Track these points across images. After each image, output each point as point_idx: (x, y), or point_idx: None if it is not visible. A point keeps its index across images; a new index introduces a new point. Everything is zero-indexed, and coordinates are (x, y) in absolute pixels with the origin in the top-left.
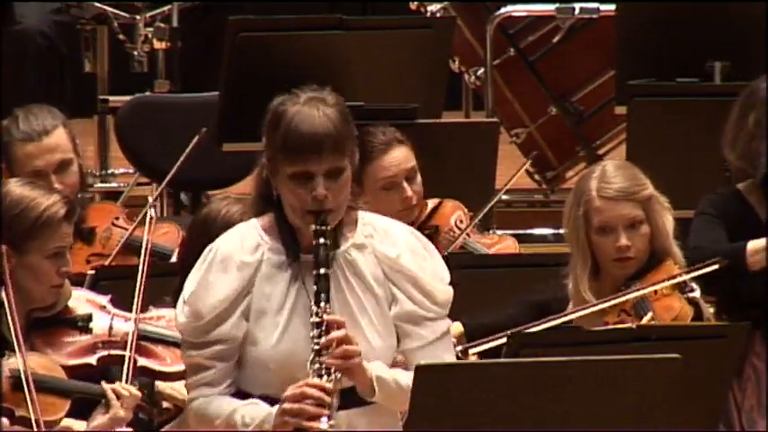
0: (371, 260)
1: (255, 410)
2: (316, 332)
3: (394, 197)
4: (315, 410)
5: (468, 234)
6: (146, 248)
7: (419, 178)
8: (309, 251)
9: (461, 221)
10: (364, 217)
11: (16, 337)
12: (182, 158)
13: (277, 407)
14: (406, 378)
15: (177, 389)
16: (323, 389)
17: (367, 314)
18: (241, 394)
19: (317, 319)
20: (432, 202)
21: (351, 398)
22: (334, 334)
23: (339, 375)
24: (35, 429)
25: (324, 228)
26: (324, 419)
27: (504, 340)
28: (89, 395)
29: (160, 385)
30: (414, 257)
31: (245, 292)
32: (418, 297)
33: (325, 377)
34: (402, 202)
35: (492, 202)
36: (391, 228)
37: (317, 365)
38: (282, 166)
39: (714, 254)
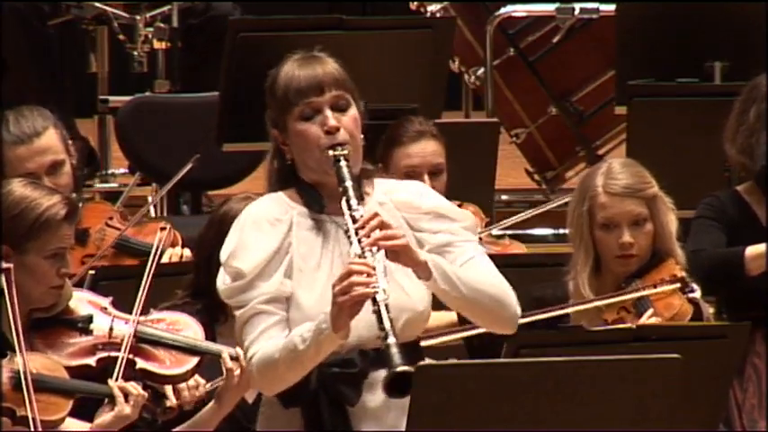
0: (394, 213)
1: (309, 324)
2: (353, 228)
3: None
4: (363, 280)
5: (481, 239)
6: (155, 253)
7: (444, 177)
8: (335, 211)
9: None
10: (380, 180)
11: (17, 336)
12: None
13: (328, 308)
14: (464, 272)
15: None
16: (365, 263)
17: (399, 266)
18: None
19: (351, 213)
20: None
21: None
22: (369, 213)
23: (381, 253)
24: (32, 429)
25: (342, 153)
26: (375, 286)
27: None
28: (94, 394)
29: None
30: (431, 196)
31: (285, 251)
32: (443, 226)
33: (368, 256)
34: None
35: (518, 217)
36: (406, 182)
37: (358, 251)
38: (289, 114)
39: (713, 259)
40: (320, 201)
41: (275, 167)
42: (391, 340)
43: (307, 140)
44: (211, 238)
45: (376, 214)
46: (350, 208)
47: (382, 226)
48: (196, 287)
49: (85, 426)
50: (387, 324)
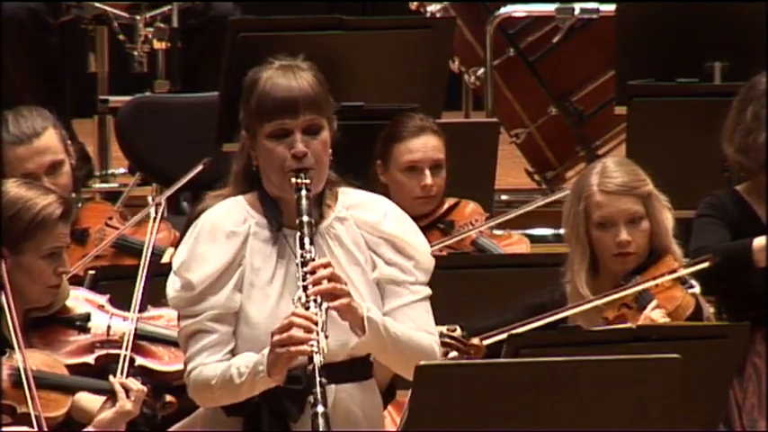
0: (353, 230)
1: (247, 358)
2: (302, 272)
3: (414, 182)
4: (303, 336)
5: (481, 231)
6: (147, 249)
7: (444, 173)
8: (293, 225)
9: (477, 222)
10: (345, 191)
11: (15, 334)
12: (184, 180)
13: (266, 350)
14: (395, 326)
15: None
16: (308, 318)
17: (353, 285)
18: None
19: (303, 259)
20: (451, 201)
21: (340, 374)
22: (321, 271)
23: (325, 305)
24: (35, 427)
25: (305, 181)
26: (312, 343)
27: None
28: (95, 390)
29: None
30: (395, 222)
31: (237, 264)
32: (399, 260)
33: (311, 307)
34: (421, 189)
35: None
36: (373, 199)
37: (303, 299)
38: (260, 127)
39: (720, 252)
40: (278, 217)
41: (240, 167)
42: (320, 409)
43: (272, 159)
44: None
45: (328, 264)
46: (302, 247)
47: (332, 278)
48: None
49: (99, 401)
50: (317, 390)
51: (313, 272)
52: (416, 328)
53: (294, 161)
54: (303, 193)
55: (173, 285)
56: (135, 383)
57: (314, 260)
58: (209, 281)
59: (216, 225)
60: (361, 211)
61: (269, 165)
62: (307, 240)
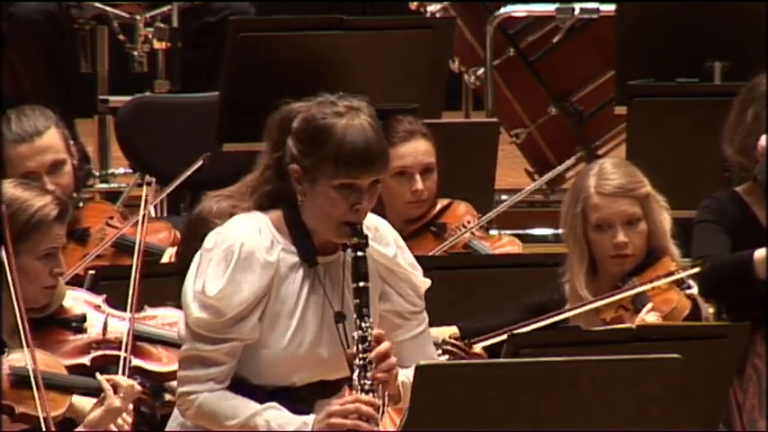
0: (370, 261)
1: (282, 416)
2: (361, 347)
3: (404, 187)
4: (368, 427)
5: (472, 233)
6: (138, 248)
7: (435, 176)
8: (324, 253)
9: (469, 223)
10: None
11: (25, 334)
12: (184, 176)
13: (310, 417)
14: (408, 377)
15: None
16: (373, 405)
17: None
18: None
19: (362, 334)
20: (443, 202)
21: (326, 390)
22: (381, 348)
23: (382, 390)
24: (44, 427)
25: (363, 241)
26: None
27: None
28: (89, 389)
29: None
30: (403, 255)
31: (264, 294)
32: (410, 294)
33: (371, 393)
34: (411, 194)
35: (505, 206)
36: (380, 225)
37: (363, 381)
38: (329, 176)
39: (722, 265)
40: (314, 256)
41: (271, 186)
42: None
43: (333, 208)
44: (189, 240)
45: (383, 337)
46: (360, 318)
47: (387, 353)
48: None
49: (91, 402)
50: None
51: (372, 349)
52: (426, 358)
53: (354, 215)
54: (360, 254)
55: (199, 306)
56: (124, 380)
57: (371, 336)
58: (239, 309)
59: (251, 253)
60: (373, 241)
61: (326, 212)
62: (365, 311)
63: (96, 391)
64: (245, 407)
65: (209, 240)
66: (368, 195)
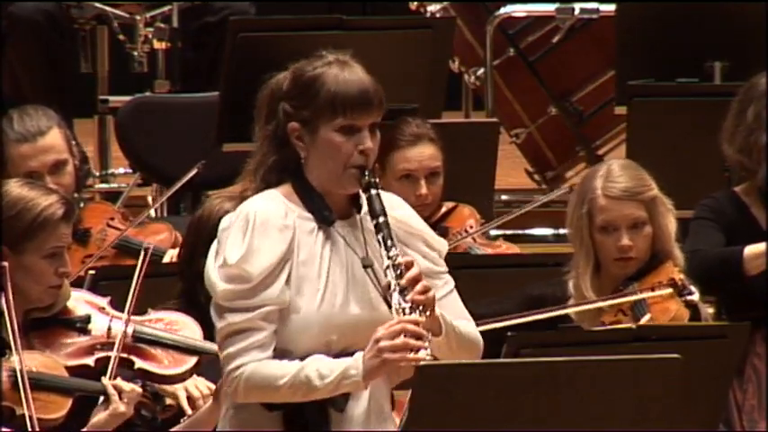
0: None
1: (329, 363)
2: (393, 275)
3: (409, 191)
4: (417, 343)
5: (473, 238)
6: (145, 252)
7: (440, 181)
8: (339, 217)
9: (472, 227)
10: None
11: (14, 336)
12: (179, 184)
13: (358, 354)
14: (453, 321)
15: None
16: (418, 322)
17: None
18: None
19: (393, 263)
20: (448, 205)
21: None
22: (413, 272)
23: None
24: (29, 428)
25: (375, 180)
26: (422, 351)
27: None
28: (89, 392)
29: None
30: (416, 218)
31: (287, 258)
32: (431, 254)
33: (414, 314)
34: (416, 199)
35: (511, 216)
36: (389, 195)
37: (402, 305)
38: (329, 121)
39: (711, 258)
40: (330, 216)
41: (274, 158)
42: None
43: (338, 154)
44: (192, 241)
45: (413, 262)
46: (387, 249)
47: (419, 277)
48: (186, 294)
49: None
50: None
51: (404, 275)
52: (459, 317)
53: (361, 158)
54: (374, 192)
55: (223, 278)
56: (127, 384)
57: (401, 264)
58: (265, 273)
59: (266, 219)
60: (392, 210)
61: (332, 159)
62: (390, 242)
63: (96, 394)
64: (291, 365)
65: (224, 221)
66: (371, 138)
